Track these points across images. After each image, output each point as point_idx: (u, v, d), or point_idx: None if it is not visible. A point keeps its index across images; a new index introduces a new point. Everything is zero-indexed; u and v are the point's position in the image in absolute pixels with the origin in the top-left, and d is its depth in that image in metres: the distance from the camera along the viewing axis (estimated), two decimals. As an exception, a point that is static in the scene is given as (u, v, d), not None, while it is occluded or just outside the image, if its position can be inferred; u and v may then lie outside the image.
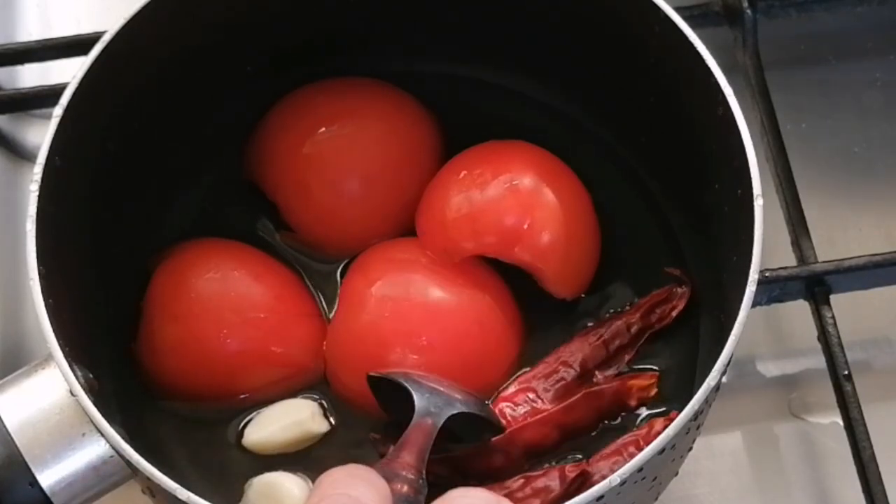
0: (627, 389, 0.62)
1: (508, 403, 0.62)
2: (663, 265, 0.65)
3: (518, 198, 0.63)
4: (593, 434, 0.62)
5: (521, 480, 0.59)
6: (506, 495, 0.58)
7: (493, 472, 0.60)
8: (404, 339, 0.62)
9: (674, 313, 0.64)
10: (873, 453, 0.63)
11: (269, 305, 0.64)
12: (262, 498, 0.61)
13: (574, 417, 0.61)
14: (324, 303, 0.66)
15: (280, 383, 0.64)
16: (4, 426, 0.55)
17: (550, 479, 0.59)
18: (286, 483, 0.61)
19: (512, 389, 0.63)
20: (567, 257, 0.64)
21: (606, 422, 0.62)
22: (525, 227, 0.63)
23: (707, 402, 0.55)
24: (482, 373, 0.63)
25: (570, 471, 0.59)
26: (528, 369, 0.63)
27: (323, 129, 0.67)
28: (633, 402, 0.62)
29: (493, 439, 0.61)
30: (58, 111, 0.58)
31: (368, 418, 0.62)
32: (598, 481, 0.52)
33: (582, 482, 0.58)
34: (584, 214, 0.65)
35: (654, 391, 0.62)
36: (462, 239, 0.63)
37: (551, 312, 0.65)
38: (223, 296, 0.64)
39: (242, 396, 0.63)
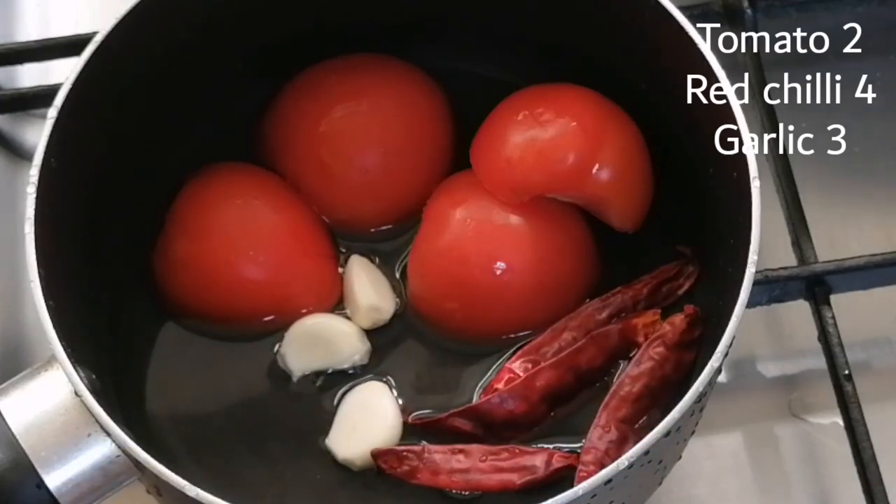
0: (633, 327, 0.63)
1: (513, 364, 0.63)
2: (659, 251, 0.65)
3: (585, 133, 0.63)
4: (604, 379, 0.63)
5: (506, 454, 0.60)
6: (487, 461, 0.59)
7: (515, 421, 0.61)
8: (484, 259, 0.63)
9: (680, 292, 0.64)
10: (873, 453, 0.63)
11: (281, 240, 0.65)
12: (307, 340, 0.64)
13: (585, 358, 0.62)
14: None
15: (279, 318, 0.65)
16: (10, 429, 0.55)
17: (536, 460, 0.59)
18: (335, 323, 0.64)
19: (516, 355, 0.63)
20: (632, 190, 0.64)
21: (620, 361, 0.63)
22: (594, 160, 0.63)
23: (710, 384, 0.55)
24: (557, 297, 0.64)
25: (558, 460, 0.59)
26: (531, 339, 0.64)
27: (337, 106, 0.67)
28: (640, 339, 0.62)
29: (510, 387, 0.61)
30: (52, 113, 0.58)
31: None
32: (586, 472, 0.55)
33: (566, 475, 0.59)
34: (641, 149, 0.65)
35: (659, 326, 0.62)
36: (533, 176, 0.63)
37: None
38: (239, 223, 0.65)
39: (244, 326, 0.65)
